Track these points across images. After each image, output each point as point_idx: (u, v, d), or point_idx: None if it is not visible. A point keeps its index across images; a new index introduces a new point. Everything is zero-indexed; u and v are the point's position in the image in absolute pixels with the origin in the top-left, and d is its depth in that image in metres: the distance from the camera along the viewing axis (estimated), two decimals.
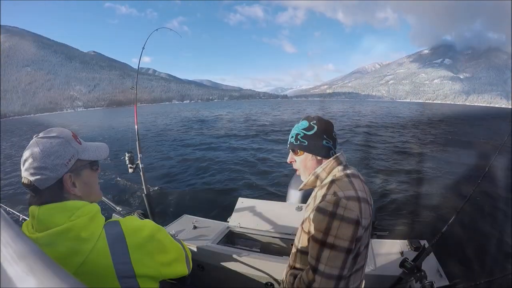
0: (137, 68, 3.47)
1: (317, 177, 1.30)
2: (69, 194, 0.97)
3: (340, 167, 1.28)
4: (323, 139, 1.30)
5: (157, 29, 3.44)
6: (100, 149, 1.10)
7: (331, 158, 1.30)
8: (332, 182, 1.22)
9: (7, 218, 0.34)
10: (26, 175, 0.93)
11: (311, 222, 1.16)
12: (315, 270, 1.13)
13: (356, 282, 1.26)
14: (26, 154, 0.94)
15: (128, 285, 0.93)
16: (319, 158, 1.32)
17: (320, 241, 1.12)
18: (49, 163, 0.93)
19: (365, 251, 1.24)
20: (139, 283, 0.95)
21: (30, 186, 0.93)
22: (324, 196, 1.18)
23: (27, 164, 0.94)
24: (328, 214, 1.11)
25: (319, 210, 1.14)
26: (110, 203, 2.51)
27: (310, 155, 1.33)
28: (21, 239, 0.32)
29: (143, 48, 3.28)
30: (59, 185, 0.96)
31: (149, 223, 1.07)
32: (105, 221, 0.99)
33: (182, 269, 1.16)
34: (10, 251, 0.30)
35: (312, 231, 1.15)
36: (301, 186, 1.38)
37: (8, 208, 2.43)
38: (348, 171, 1.27)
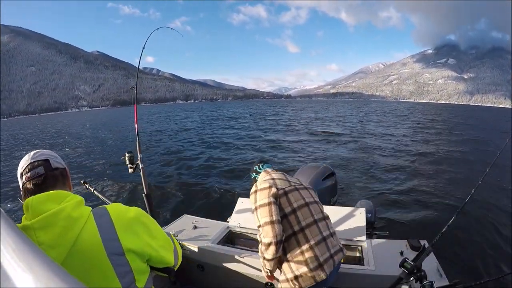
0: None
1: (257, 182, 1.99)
2: (67, 184, 1.13)
3: (268, 175, 1.97)
4: (251, 176, 2.15)
5: (157, 29, 3.39)
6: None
7: (262, 171, 2.06)
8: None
9: (7, 218, 0.34)
10: (40, 158, 1.08)
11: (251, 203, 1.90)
12: (258, 226, 1.76)
13: (315, 235, 1.75)
14: (33, 152, 1.11)
15: (118, 262, 0.98)
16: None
17: (255, 208, 1.80)
18: (57, 157, 1.14)
19: (306, 210, 1.81)
20: (129, 261, 1.00)
21: (45, 163, 1.06)
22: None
23: (39, 153, 1.08)
24: (253, 192, 1.86)
25: (250, 194, 1.89)
26: (109, 202, 2.49)
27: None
28: (21, 238, 0.32)
29: (143, 48, 3.26)
30: (64, 172, 1.13)
31: (135, 208, 1.14)
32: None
33: (168, 258, 1.21)
34: (10, 250, 0.31)
35: (252, 207, 1.85)
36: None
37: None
38: (272, 174, 1.99)
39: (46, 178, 1.05)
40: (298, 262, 1.68)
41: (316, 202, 1.92)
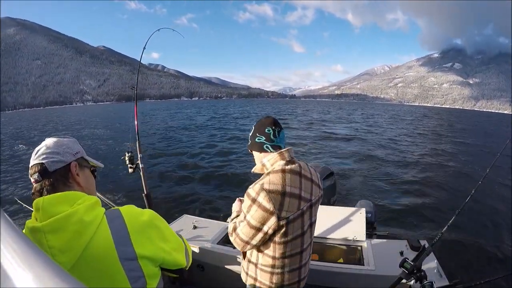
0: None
1: (263, 165, 1.53)
2: (73, 182, 1.07)
3: (282, 162, 1.48)
4: (255, 137, 1.55)
5: (158, 29, 3.43)
6: (97, 162, 1.23)
7: (276, 153, 1.50)
8: (268, 174, 1.46)
9: (7, 218, 0.34)
10: (37, 161, 1.02)
11: (244, 198, 1.49)
12: (235, 229, 1.51)
13: (293, 265, 1.52)
14: (39, 146, 1.07)
15: (130, 267, 0.96)
16: (264, 152, 1.54)
17: (244, 215, 1.45)
18: (60, 150, 1.06)
19: (298, 241, 1.49)
20: (141, 266, 0.98)
21: (40, 169, 1.01)
22: (256, 183, 1.44)
23: (40, 152, 1.04)
24: (251, 199, 1.41)
25: (247, 193, 1.45)
26: (109, 202, 2.53)
27: (254, 151, 1.60)
28: (21, 238, 0.32)
29: (144, 48, 3.27)
30: (66, 170, 1.05)
31: (148, 211, 1.11)
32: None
33: (181, 259, 1.19)
34: (10, 250, 0.31)
35: (243, 206, 1.49)
36: (252, 170, 1.63)
37: (27, 206, 2.56)
38: (287, 167, 1.46)
39: (42, 186, 1.02)
40: (263, 275, 1.54)
41: (311, 224, 1.59)
